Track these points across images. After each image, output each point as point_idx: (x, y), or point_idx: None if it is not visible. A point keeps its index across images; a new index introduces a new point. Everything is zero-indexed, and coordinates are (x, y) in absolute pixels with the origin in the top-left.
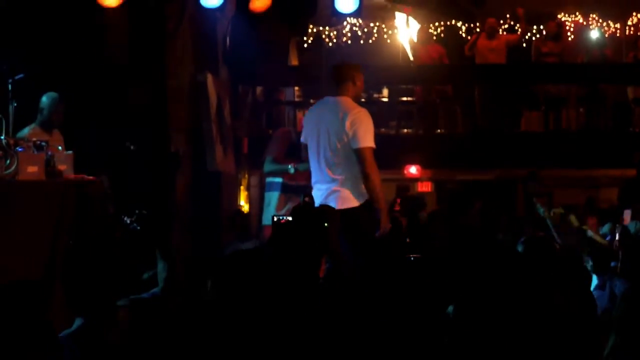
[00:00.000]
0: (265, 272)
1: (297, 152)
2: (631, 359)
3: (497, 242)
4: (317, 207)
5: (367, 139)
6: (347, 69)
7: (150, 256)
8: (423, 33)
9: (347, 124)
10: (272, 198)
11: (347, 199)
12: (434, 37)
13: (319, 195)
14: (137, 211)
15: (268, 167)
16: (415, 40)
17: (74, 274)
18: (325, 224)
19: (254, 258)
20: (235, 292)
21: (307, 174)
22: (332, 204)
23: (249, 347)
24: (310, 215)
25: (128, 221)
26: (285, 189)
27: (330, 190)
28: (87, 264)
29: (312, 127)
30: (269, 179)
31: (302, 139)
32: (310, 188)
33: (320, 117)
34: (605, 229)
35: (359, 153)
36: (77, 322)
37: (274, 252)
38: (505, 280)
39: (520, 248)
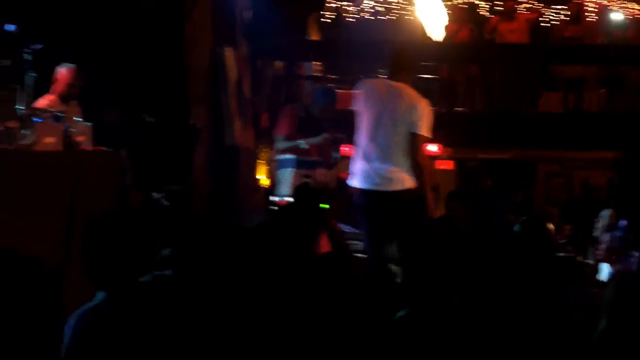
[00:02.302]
0: (261, 250)
1: (306, 127)
2: (619, 344)
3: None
4: (316, 189)
5: (428, 130)
6: (412, 57)
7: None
8: (457, 12)
9: (417, 113)
10: (285, 175)
11: (404, 181)
12: (468, 18)
13: (365, 175)
14: (167, 187)
15: (280, 144)
16: (438, 17)
17: (93, 246)
18: (324, 205)
19: (251, 237)
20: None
21: (320, 149)
22: (385, 186)
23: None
24: (309, 197)
25: (158, 197)
26: (299, 165)
27: (386, 172)
28: (106, 236)
29: (373, 105)
30: (281, 157)
31: (356, 107)
32: (322, 163)
33: (384, 99)
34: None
35: (416, 139)
36: (100, 295)
37: (271, 231)
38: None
39: (517, 227)
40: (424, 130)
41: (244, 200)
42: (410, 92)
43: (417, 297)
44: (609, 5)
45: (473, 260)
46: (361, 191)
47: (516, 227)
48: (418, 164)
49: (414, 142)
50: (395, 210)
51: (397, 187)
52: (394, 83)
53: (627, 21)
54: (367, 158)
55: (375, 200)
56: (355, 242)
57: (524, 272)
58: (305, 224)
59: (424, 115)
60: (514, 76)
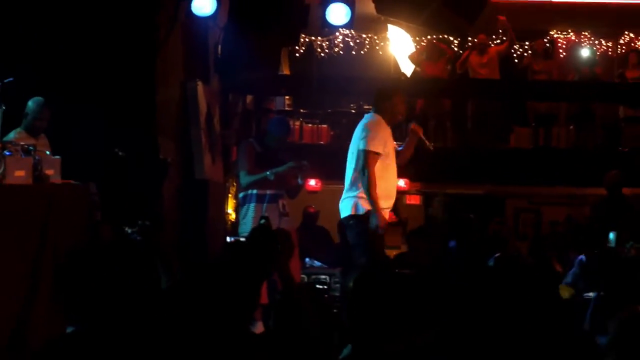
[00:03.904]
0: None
1: (265, 159)
2: None
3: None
4: (272, 231)
5: (373, 144)
6: (387, 91)
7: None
8: (432, 49)
9: (360, 132)
10: (249, 210)
11: (351, 207)
12: (444, 55)
13: (344, 203)
14: (139, 222)
15: (245, 179)
16: (414, 54)
17: (62, 281)
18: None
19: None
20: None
21: (282, 178)
22: (360, 209)
23: None
24: (263, 239)
25: (129, 231)
26: (260, 200)
27: (356, 197)
28: (75, 271)
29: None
30: (243, 193)
31: None
32: (283, 194)
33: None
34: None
35: (360, 154)
36: (69, 330)
37: (220, 270)
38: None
39: (491, 263)
40: (368, 144)
41: (212, 234)
42: (365, 118)
43: (361, 336)
44: (580, 41)
45: (440, 296)
46: None
47: (490, 263)
48: (362, 176)
49: (358, 157)
50: (345, 237)
51: (345, 213)
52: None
53: (596, 57)
54: (345, 191)
55: (339, 229)
56: (324, 276)
57: (498, 310)
58: (253, 267)
59: (366, 131)
60: (486, 111)
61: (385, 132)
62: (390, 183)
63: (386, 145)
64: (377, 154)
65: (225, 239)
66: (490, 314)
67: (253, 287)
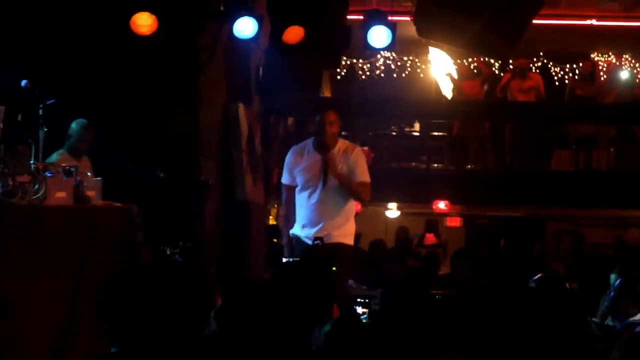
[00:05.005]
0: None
1: None
2: None
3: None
4: (327, 252)
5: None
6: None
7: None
8: (464, 68)
9: None
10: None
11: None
12: (475, 72)
13: None
14: (180, 243)
15: None
16: (454, 75)
17: (105, 302)
18: (334, 269)
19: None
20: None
21: None
22: None
23: None
24: (319, 260)
25: (169, 252)
26: None
27: None
28: (118, 291)
29: None
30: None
31: None
32: None
33: None
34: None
35: None
36: (113, 350)
37: (274, 293)
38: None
39: (532, 284)
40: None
41: (252, 255)
42: None
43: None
44: (620, 64)
45: (481, 317)
46: None
47: (532, 284)
48: None
49: None
50: None
51: None
52: None
53: (636, 80)
54: None
55: None
56: (362, 299)
57: (539, 331)
58: (312, 289)
59: None
60: (526, 134)
61: (297, 160)
62: (305, 212)
63: (299, 174)
64: (285, 184)
65: (265, 259)
66: (529, 335)
67: (312, 306)
